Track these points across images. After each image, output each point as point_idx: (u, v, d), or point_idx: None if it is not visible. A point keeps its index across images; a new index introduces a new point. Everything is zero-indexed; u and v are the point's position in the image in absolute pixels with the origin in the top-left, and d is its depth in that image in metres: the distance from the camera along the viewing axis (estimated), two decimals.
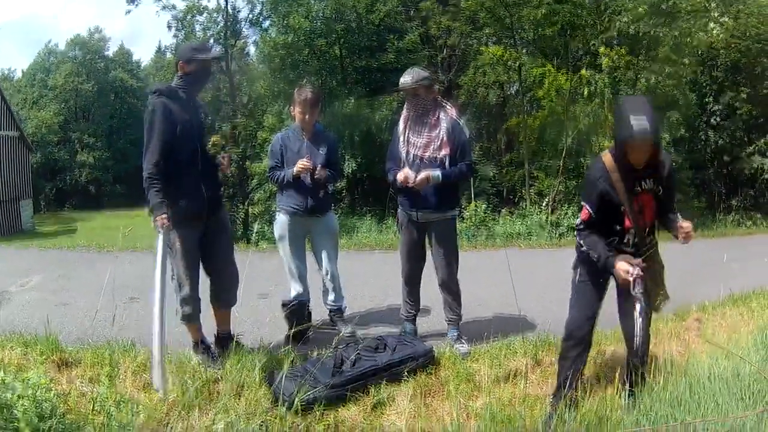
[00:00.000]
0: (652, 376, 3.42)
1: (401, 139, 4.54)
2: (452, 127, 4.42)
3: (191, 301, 4.05)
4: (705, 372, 3.34)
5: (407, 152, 4.48)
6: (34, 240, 18.49)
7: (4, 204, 30.77)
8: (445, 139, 4.40)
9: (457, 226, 4.82)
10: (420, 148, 4.44)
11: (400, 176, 4.40)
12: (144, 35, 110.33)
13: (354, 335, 4.72)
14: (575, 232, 3.46)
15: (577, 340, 3.44)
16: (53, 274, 7.14)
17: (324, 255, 4.88)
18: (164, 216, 3.68)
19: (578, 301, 3.47)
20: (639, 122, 2.87)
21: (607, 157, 3.19)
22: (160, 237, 3.69)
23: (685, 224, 3.16)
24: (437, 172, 4.35)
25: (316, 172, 4.57)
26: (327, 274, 4.91)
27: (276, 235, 4.95)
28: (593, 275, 3.39)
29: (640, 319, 3.05)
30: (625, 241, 3.28)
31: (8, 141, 31.79)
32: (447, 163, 4.41)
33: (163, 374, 3.51)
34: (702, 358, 3.86)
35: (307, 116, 4.65)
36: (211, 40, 19.16)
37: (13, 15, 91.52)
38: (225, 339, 4.33)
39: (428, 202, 4.46)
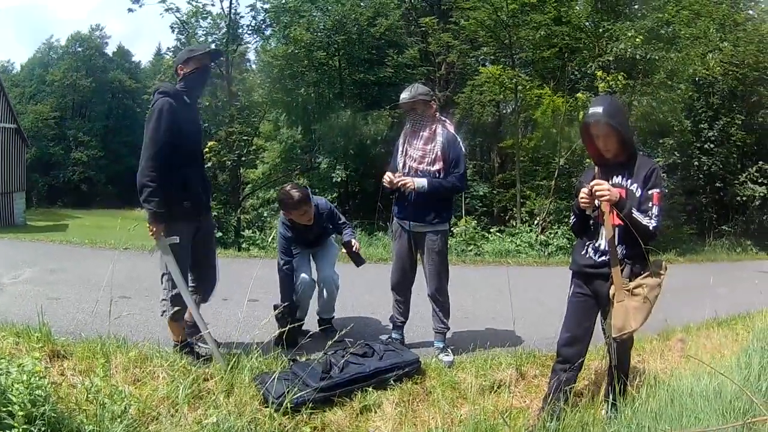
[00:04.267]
0: (635, 389, 3.52)
1: (399, 150, 4.66)
2: (448, 142, 4.50)
3: (181, 300, 4.06)
4: (687, 388, 3.39)
5: (404, 164, 4.58)
6: (26, 234, 18.40)
7: None
8: (439, 153, 4.48)
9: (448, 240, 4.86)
10: (415, 161, 4.53)
11: (385, 179, 4.50)
12: (143, 36, 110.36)
13: (343, 342, 4.76)
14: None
15: (565, 358, 3.52)
16: (46, 267, 7.16)
17: (323, 264, 5.02)
18: (162, 227, 3.87)
19: (568, 319, 3.56)
20: (593, 109, 3.28)
21: None
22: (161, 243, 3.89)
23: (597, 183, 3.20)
24: (423, 181, 4.43)
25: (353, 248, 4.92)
26: (326, 282, 5.00)
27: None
28: (582, 288, 3.49)
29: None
30: (597, 245, 3.37)
31: (5, 133, 31.57)
32: (441, 177, 4.49)
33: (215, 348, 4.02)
34: (684, 375, 3.91)
35: (307, 215, 4.69)
36: (213, 45, 19.19)
37: (12, 1, 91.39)
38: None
39: (420, 214, 4.54)
